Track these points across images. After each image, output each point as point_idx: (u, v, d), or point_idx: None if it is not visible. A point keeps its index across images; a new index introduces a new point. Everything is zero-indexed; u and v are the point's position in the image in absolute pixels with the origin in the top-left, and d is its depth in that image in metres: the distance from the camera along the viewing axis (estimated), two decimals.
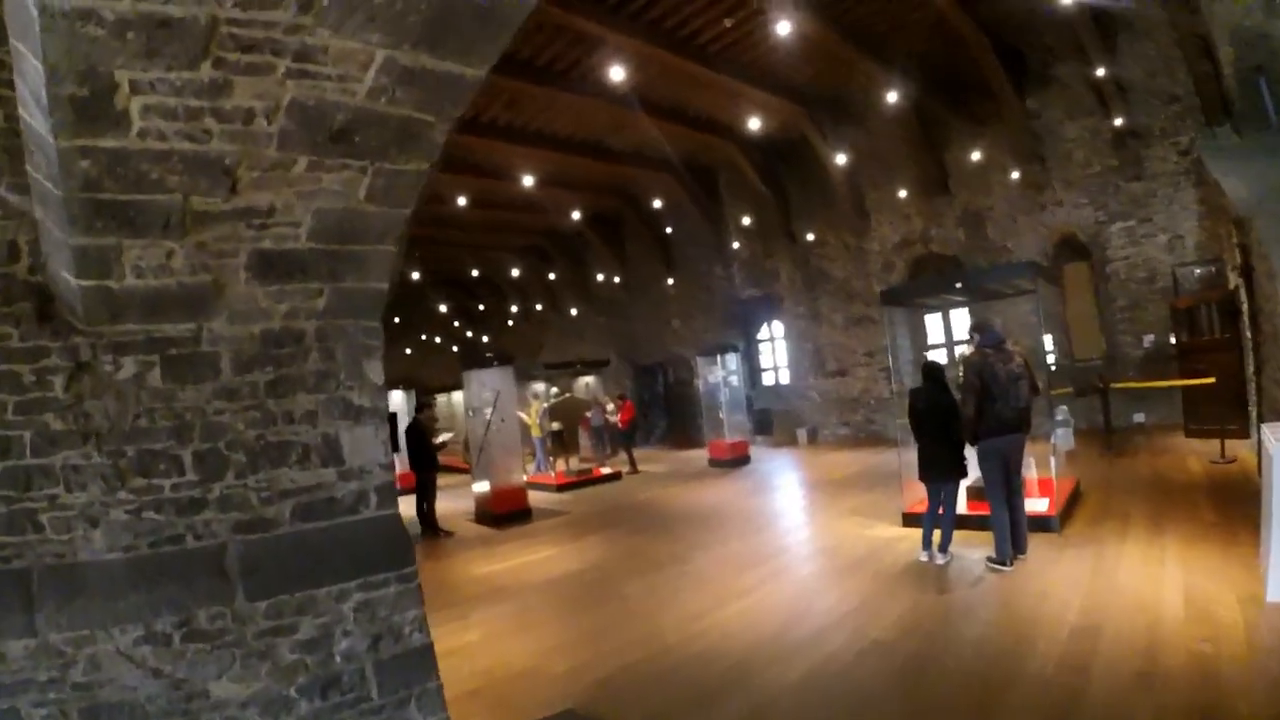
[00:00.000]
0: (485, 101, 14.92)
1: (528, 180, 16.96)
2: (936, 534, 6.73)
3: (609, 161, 18.39)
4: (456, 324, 33.29)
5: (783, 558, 7.47)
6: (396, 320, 31.83)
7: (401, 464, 17.34)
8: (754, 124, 14.57)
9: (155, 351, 4.00)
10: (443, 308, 30.66)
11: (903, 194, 16.14)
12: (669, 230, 22.54)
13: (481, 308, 31.57)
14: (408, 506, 13.89)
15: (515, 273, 26.63)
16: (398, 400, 18.01)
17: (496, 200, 21.40)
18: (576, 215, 21.87)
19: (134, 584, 3.79)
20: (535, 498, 13.80)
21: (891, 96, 13.07)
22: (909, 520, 8.01)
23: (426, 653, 4.17)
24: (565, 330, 28.08)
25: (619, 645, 5.39)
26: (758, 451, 16.64)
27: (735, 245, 20.18)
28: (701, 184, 20.27)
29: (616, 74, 11.66)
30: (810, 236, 18.23)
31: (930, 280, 12.45)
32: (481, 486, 11.88)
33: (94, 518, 3.88)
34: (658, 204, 20.35)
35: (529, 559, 8.85)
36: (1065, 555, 6.34)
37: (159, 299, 3.86)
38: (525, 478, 15.92)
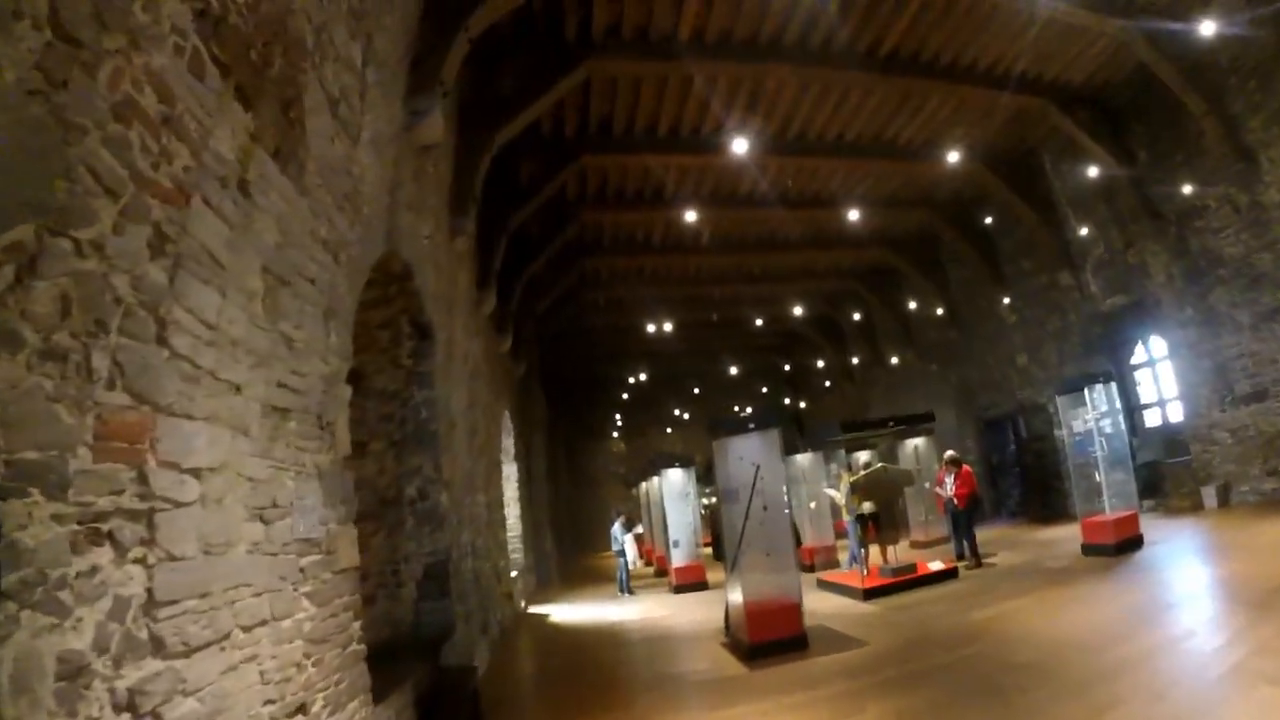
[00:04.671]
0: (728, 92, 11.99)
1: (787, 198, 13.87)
2: None
3: (900, 160, 14.57)
4: (765, 390, 30.43)
5: None
6: (697, 390, 29.89)
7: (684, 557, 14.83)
8: (1070, 60, 10.21)
9: None
10: (734, 370, 27.82)
11: None
12: (993, 236, 17.88)
13: (787, 368, 28.32)
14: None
15: (819, 324, 23.25)
16: (677, 480, 15.30)
17: (776, 237, 18.48)
18: (878, 240, 18.25)
19: None
20: (830, 608, 10.14)
21: None
22: None
23: None
24: (892, 385, 23.96)
25: None
26: (1147, 525, 11.03)
27: (1084, 231, 14.83)
28: (1021, 169, 15.54)
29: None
30: (1184, 193, 12.46)
31: None
32: (735, 598, 8.46)
33: None
34: (973, 206, 15.98)
35: None
36: None
37: None
38: (826, 576, 12.44)
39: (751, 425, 9.14)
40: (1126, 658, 5.57)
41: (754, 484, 8.67)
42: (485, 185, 12.06)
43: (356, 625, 4.34)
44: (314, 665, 3.77)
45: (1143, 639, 6.03)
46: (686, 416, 31.15)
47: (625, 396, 30.05)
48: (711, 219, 16.58)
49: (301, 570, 3.72)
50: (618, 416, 31.80)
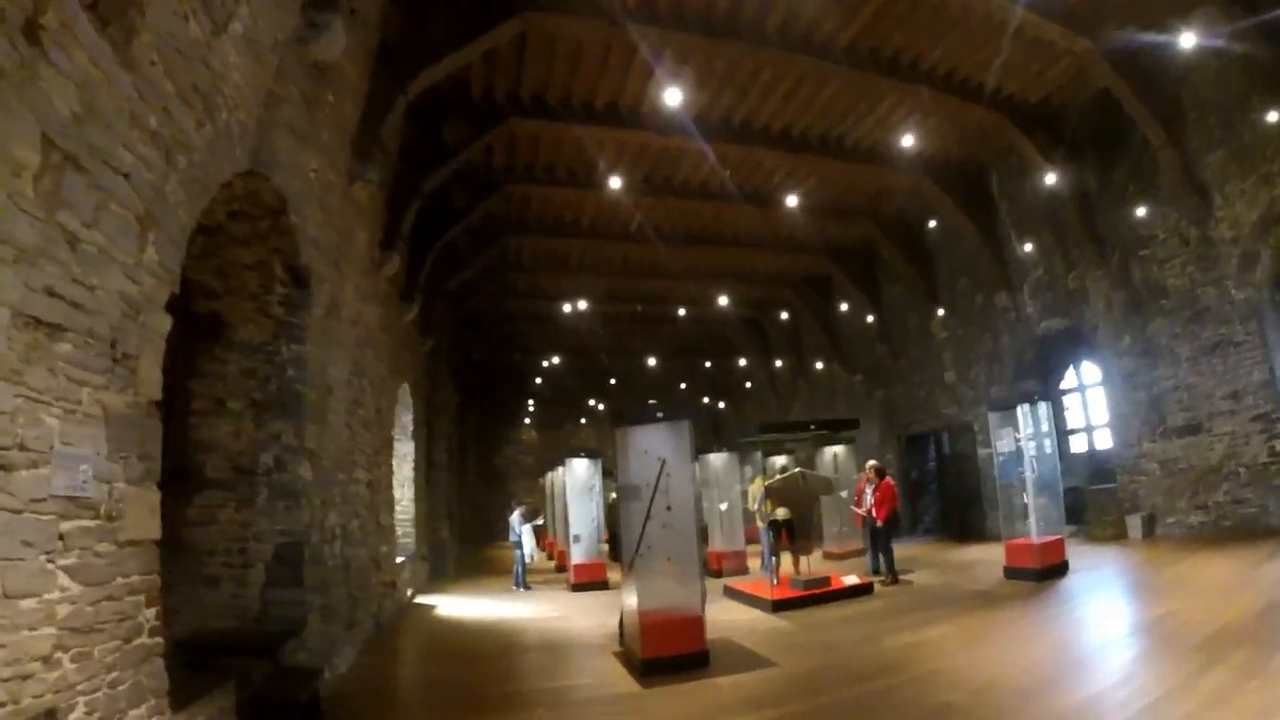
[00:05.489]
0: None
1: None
2: None
3: (847, 161, 14.19)
4: (684, 387, 30.13)
5: None
6: (614, 382, 29.29)
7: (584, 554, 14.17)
8: (1031, 78, 10.95)
9: None
10: (654, 365, 27.24)
11: (1272, 117, 10.04)
12: (933, 252, 17.81)
13: (708, 365, 27.96)
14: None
15: (746, 326, 22.94)
16: (582, 472, 14.63)
17: (710, 233, 18.01)
18: (815, 246, 17.94)
19: None
20: (736, 619, 9.63)
21: None
22: None
23: None
24: (815, 394, 23.77)
25: None
26: (1070, 551, 10.77)
27: (1029, 248, 14.76)
28: (969, 186, 15.41)
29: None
30: (1132, 222, 12.50)
31: None
32: (630, 606, 7.80)
33: None
34: (916, 220, 15.76)
35: None
36: None
37: None
38: (734, 584, 11.92)
39: (660, 415, 8.47)
40: (1064, 706, 5.02)
41: (658, 480, 8.03)
42: (404, 142, 11.25)
43: (150, 613, 3.53)
44: (74, 660, 2.97)
45: (1079, 683, 5.50)
46: (602, 408, 30.58)
47: (540, 383, 29.26)
48: (645, 206, 15.98)
49: (60, 538, 2.92)
50: (531, 405, 31.03)
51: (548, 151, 13.92)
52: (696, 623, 7.58)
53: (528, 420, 31.75)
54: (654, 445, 8.19)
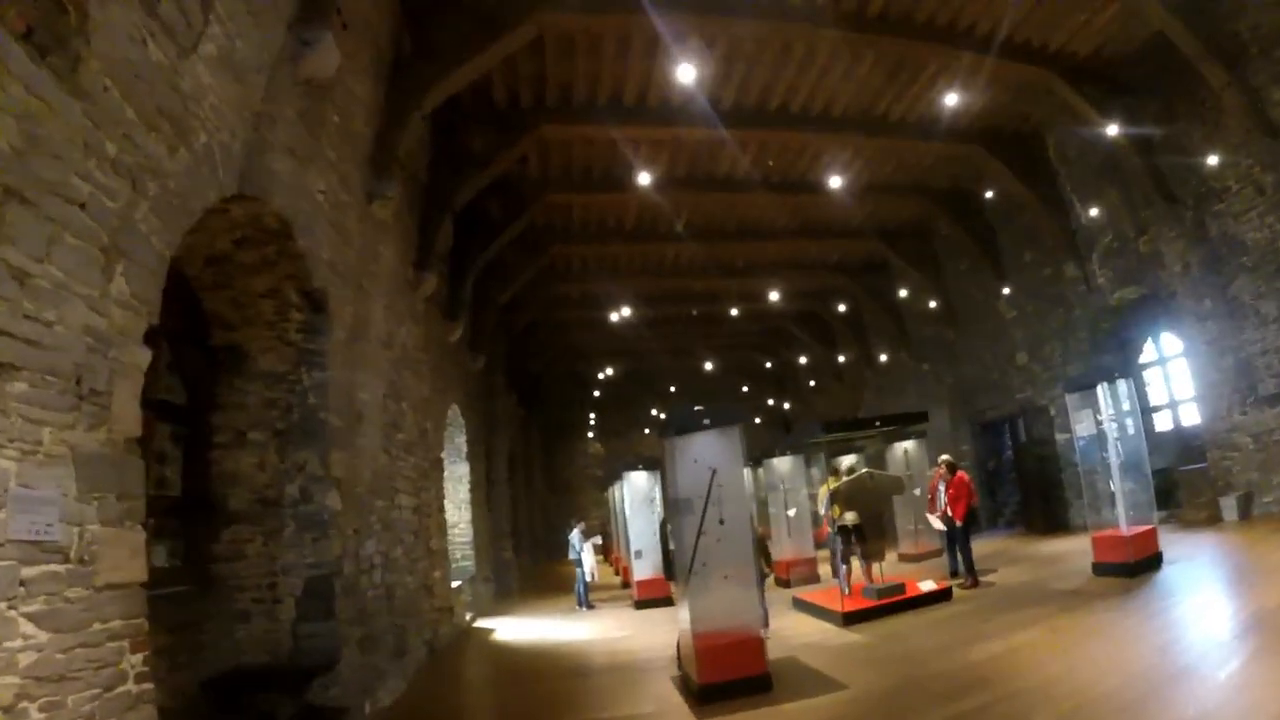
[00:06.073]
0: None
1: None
2: None
3: (892, 137, 13.74)
4: (746, 389, 29.69)
5: None
6: (675, 389, 29.07)
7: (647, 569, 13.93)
8: (1076, 29, 10.54)
9: None
10: (714, 368, 26.88)
11: None
12: (992, 225, 17.13)
13: (770, 365, 27.47)
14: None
15: (805, 320, 22.47)
16: (641, 484, 14.44)
17: (759, 226, 17.67)
18: (868, 230, 17.52)
19: None
20: (804, 634, 9.35)
21: None
22: None
23: None
24: (882, 385, 23.18)
25: None
26: (1163, 540, 9.97)
27: (1094, 212, 14.00)
28: (1023, 151, 14.68)
29: None
30: (1203, 174, 11.69)
31: None
32: (685, 627, 7.53)
33: None
34: (970, 193, 15.29)
35: None
36: None
37: None
38: (803, 595, 11.59)
39: (707, 421, 8.19)
40: None
41: (709, 491, 7.74)
42: (433, 158, 11.26)
43: (136, 659, 3.45)
44: (42, 710, 2.90)
45: (1188, 695, 5.01)
46: (664, 417, 30.47)
47: (601, 395, 29.29)
48: (688, 203, 15.81)
49: (22, 583, 2.85)
50: (594, 417, 31.11)
51: (582, 155, 13.85)
52: (756, 643, 7.25)
53: (591, 433, 31.86)
54: (703, 454, 7.88)
